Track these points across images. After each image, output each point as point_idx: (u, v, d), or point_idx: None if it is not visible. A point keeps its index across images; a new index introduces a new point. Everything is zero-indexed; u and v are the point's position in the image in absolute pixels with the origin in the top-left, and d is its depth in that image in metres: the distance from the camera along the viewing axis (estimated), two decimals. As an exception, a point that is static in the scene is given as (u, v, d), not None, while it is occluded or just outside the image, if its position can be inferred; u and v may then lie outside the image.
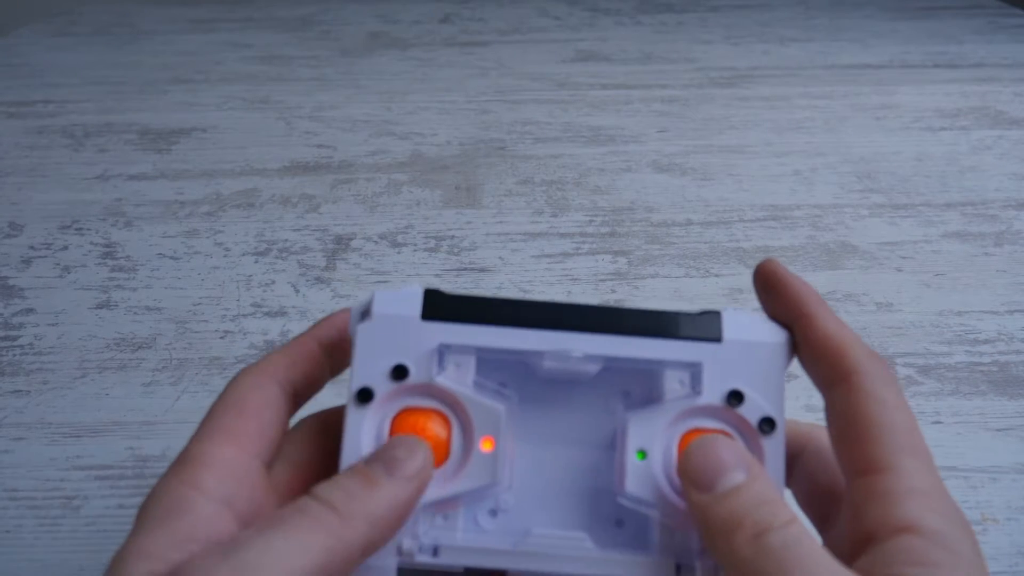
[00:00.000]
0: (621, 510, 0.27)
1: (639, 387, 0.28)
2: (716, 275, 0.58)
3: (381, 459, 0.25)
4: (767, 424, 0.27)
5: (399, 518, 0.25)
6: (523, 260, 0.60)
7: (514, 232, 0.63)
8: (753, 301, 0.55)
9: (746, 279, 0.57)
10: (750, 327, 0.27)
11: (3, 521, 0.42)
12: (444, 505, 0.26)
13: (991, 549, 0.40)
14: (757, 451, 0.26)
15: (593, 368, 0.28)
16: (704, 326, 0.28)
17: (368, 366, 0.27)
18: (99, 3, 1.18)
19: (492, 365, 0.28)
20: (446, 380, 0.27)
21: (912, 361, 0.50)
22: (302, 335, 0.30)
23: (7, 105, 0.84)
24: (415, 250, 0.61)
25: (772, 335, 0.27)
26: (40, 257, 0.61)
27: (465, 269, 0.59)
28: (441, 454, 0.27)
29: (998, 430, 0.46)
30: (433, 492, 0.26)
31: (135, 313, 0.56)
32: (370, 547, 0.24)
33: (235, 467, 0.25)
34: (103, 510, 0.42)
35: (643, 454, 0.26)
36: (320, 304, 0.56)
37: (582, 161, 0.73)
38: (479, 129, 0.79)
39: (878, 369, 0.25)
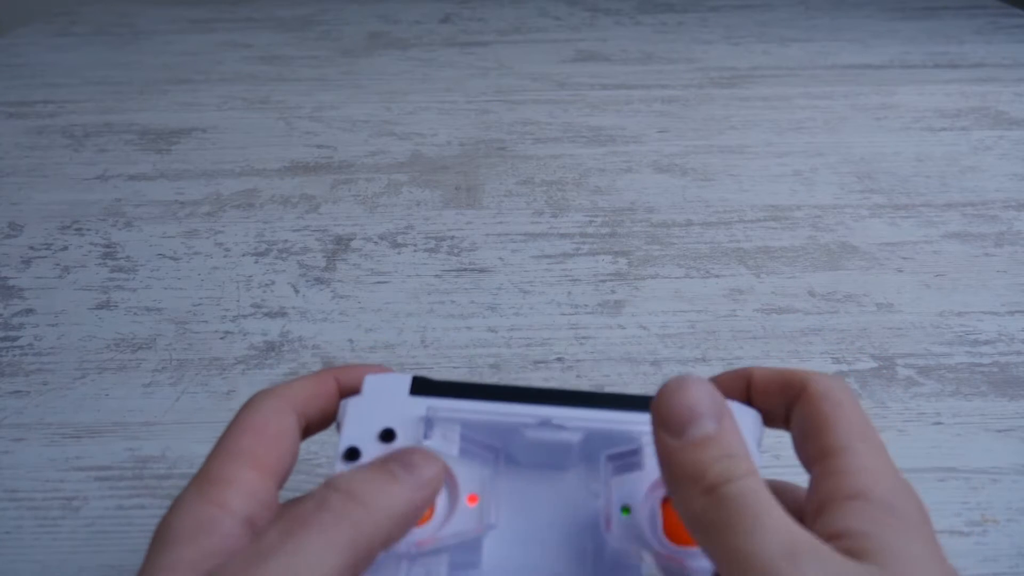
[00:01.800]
0: (604, 569, 0.27)
1: (620, 460, 0.29)
2: (716, 276, 0.58)
3: (399, 460, 0.25)
4: None
5: (412, 520, 0.25)
6: (523, 261, 0.60)
7: (514, 232, 0.63)
8: (754, 302, 0.55)
9: (747, 280, 0.57)
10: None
11: (3, 522, 0.42)
12: (430, 556, 0.26)
13: (991, 550, 0.39)
14: None
15: (574, 438, 0.28)
16: None
17: (357, 430, 0.28)
18: (99, 3, 1.19)
19: (479, 442, 0.29)
20: (433, 444, 0.28)
21: (912, 362, 0.50)
22: (324, 371, 0.30)
23: (7, 105, 0.84)
24: (415, 250, 0.61)
25: (740, 410, 0.29)
26: (40, 257, 0.61)
27: (465, 270, 0.59)
28: (426, 515, 0.27)
29: (998, 431, 0.46)
30: (418, 538, 0.26)
31: (135, 314, 0.56)
32: (387, 544, 0.24)
33: (257, 489, 0.26)
34: (103, 511, 0.42)
35: (627, 510, 0.27)
36: (320, 304, 0.56)
37: (582, 161, 0.73)
38: (479, 129, 0.79)
39: (830, 379, 0.27)
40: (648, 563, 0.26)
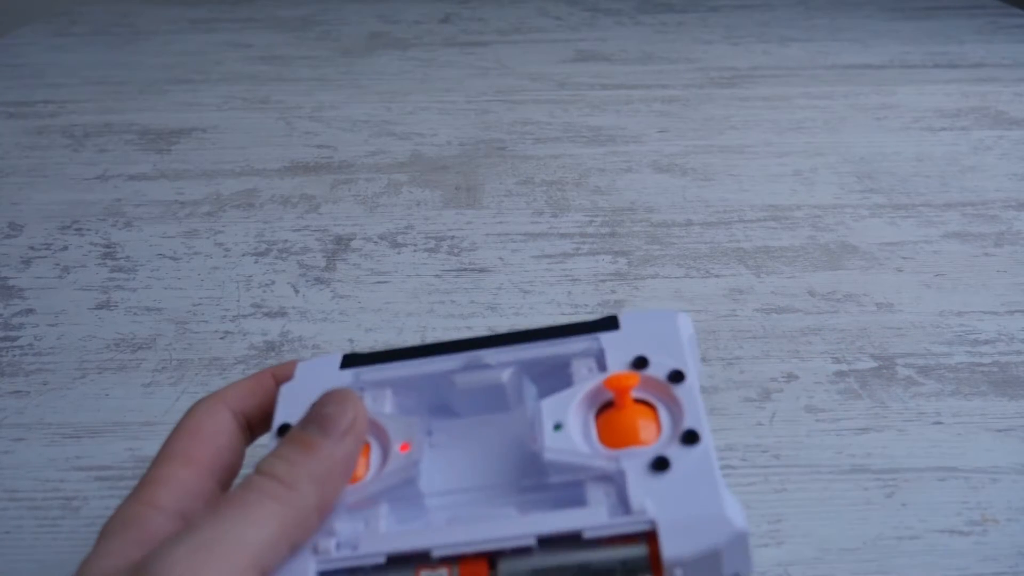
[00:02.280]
0: (542, 484, 0.27)
1: (551, 384, 0.29)
2: (716, 275, 0.58)
3: (314, 420, 0.26)
4: (676, 375, 0.28)
5: (344, 472, 0.26)
6: (523, 260, 0.60)
7: (514, 232, 0.63)
8: (754, 302, 0.55)
9: (747, 280, 0.57)
10: (643, 314, 0.30)
11: (3, 522, 0.42)
12: (364, 503, 0.26)
13: (991, 550, 0.39)
14: (671, 401, 0.27)
15: (503, 374, 0.29)
16: (601, 323, 0.30)
17: (289, 408, 0.29)
18: (99, 3, 1.18)
19: (415, 403, 0.30)
20: None
21: (912, 362, 0.50)
22: (263, 371, 0.32)
23: (7, 105, 0.84)
24: (415, 250, 0.61)
25: (668, 313, 0.30)
26: (40, 257, 0.61)
27: (465, 270, 0.59)
28: (360, 472, 0.27)
29: (999, 431, 0.46)
30: (352, 496, 0.26)
31: (135, 314, 0.56)
32: (323, 505, 0.25)
33: (190, 485, 0.27)
34: (103, 511, 0.42)
35: (559, 426, 0.27)
36: (320, 305, 0.56)
37: (582, 161, 0.73)
38: (479, 129, 0.79)
39: None
40: (585, 466, 0.26)
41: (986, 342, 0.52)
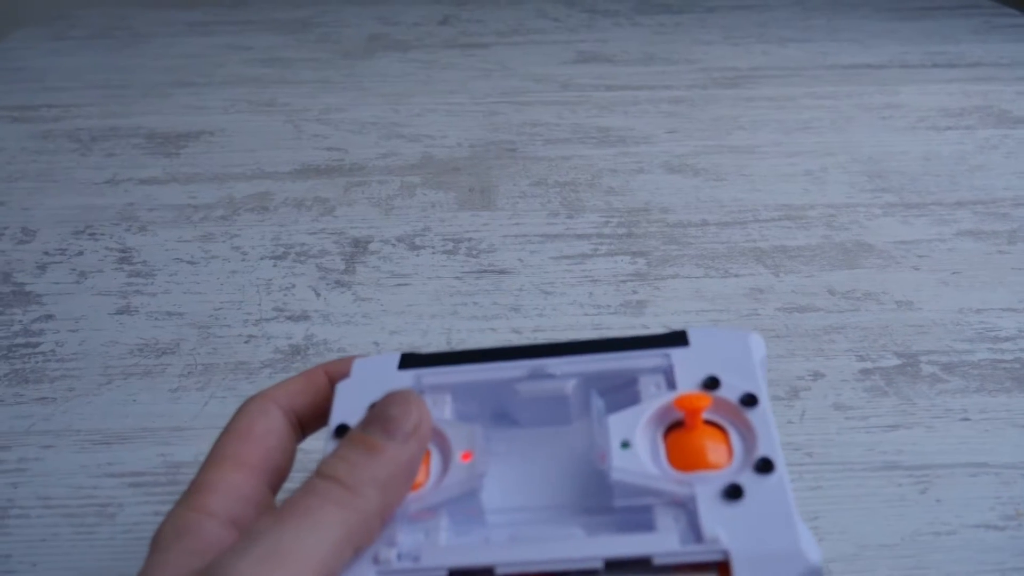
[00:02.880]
0: (608, 506, 0.26)
1: (618, 401, 0.28)
2: (736, 275, 0.58)
3: (377, 421, 0.26)
4: (748, 398, 0.27)
5: (408, 476, 0.25)
6: (542, 262, 0.60)
7: (531, 234, 0.63)
8: (775, 301, 0.56)
9: (766, 279, 0.58)
10: (714, 331, 0.29)
11: (39, 529, 0.42)
12: (425, 514, 0.26)
13: (1026, 544, 0.40)
14: (744, 425, 0.26)
15: (567, 385, 0.28)
16: (670, 337, 0.29)
17: (347, 408, 0.28)
18: (94, 6, 1.18)
19: (474, 408, 0.29)
20: None
21: (936, 359, 0.51)
22: (314, 367, 0.31)
23: (10, 109, 0.83)
24: (434, 252, 0.61)
25: (739, 333, 0.29)
26: (55, 263, 0.61)
27: (485, 271, 0.59)
28: (420, 479, 0.27)
29: (1025, 426, 0.46)
30: (413, 505, 0.26)
31: (156, 319, 0.55)
32: (387, 510, 0.25)
33: (242, 490, 0.27)
34: (140, 517, 0.42)
35: (627, 444, 0.26)
36: (342, 308, 0.56)
37: (594, 162, 0.73)
38: (488, 131, 0.79)
39: None
40: (655, 490, 0.25)
41: (1007, 339, 0.52)
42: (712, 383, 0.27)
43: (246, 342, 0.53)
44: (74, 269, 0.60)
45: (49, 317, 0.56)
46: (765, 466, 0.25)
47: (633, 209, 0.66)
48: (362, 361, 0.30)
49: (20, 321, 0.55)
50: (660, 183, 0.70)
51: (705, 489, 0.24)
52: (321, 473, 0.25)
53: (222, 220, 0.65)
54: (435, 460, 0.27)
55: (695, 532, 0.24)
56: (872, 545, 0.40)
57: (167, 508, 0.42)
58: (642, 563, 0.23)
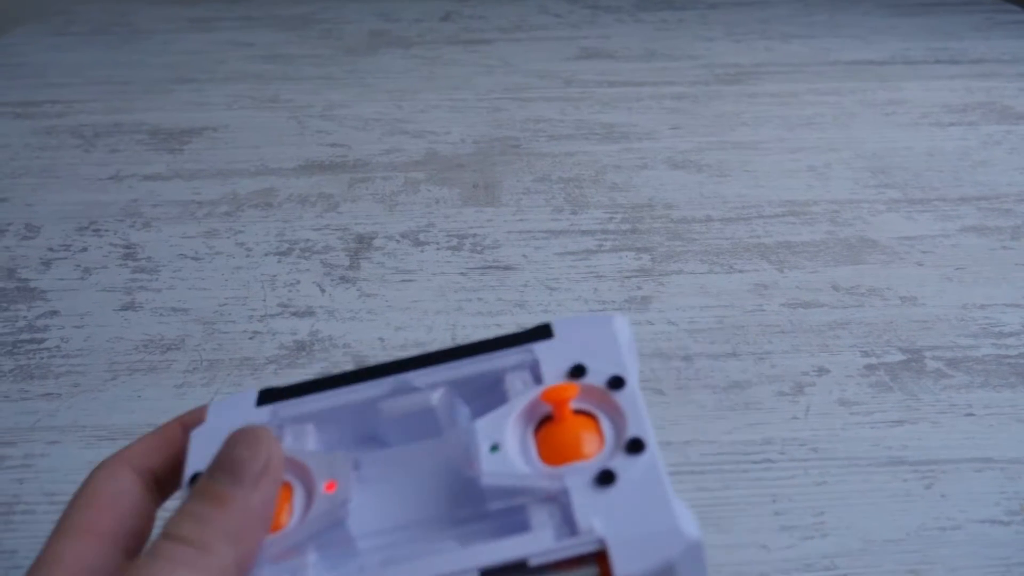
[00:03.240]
0: (483, 512, 0.25)
1: (486, 403, 0.27)
2: (740, 271, 0.58)
3: (223, 466, 0.24)
4: (615, 381, 0.26)
5: (263, 521, 0.24)
6: (547, 258, 0.60)
7: (536, 230, 0.63)
8: (779, 296, 0.56)
9: (770, 275, 0.58)
10: (577, 319, 0.28)
11: (45, 526, 0.41)
12: (289, 554, 0.24)
13: (1033, 539, 0.40)
14: (613, 409, 0.25)
15: (432, 397, 0.27)
16: (534, 333, 0.28)
17: (201, 455, 0.26)
18: (95, 2, 1.17)
19: (341, 436, 0.28)
20: (284, 447, 0.26)
21: (941, 354, 0.51)
22: (168, 422, 0.29)
23: (13, 105, 0.83)
24: (438, 248, 0.61)
25: (603, 317, 0.28)
26: (60, 259, 0.61)
27: (490, 267, 0.59)
28: (282, 518, 0.25)
29: (1030, 421, 0.46)
30: (275, 546, 0.24)
31: (161, 314, 0.55)
32: (244, 561, 0.23)
33: (89, 560, 0.24)
34: (147, 512, 0.42)
35: (496, 447, 0.25)
36: (347, 304, 0.56)
37: (597, 158, 0.73)
38: (492, 127, 0.79)
39: None
40: (526, 489, 0.24)
41: (1011, 334, 0.52)
42: (578, 371, 0.26)
43: (251, 338, 0.53)
44: (78, 265, 0.60)
45: (54, 313, 0.56)
46: (635, 446, 0.24)
47: (637, 205, 0.66)
48: (217, 404, 0.28)
49: (25, 317, 0.55)
50: (664, 179, 0.70)
51: (577, 480, 0.24)
52: (167, 534, 0.23)
53: (226, 216, 0.65)
54: (298, 495, 0.26)
55: (570, 526, 0.23)
56: (878, 540, 0.40)
57: (174, 504, 0.42)
58: (518, 567, 0.22)
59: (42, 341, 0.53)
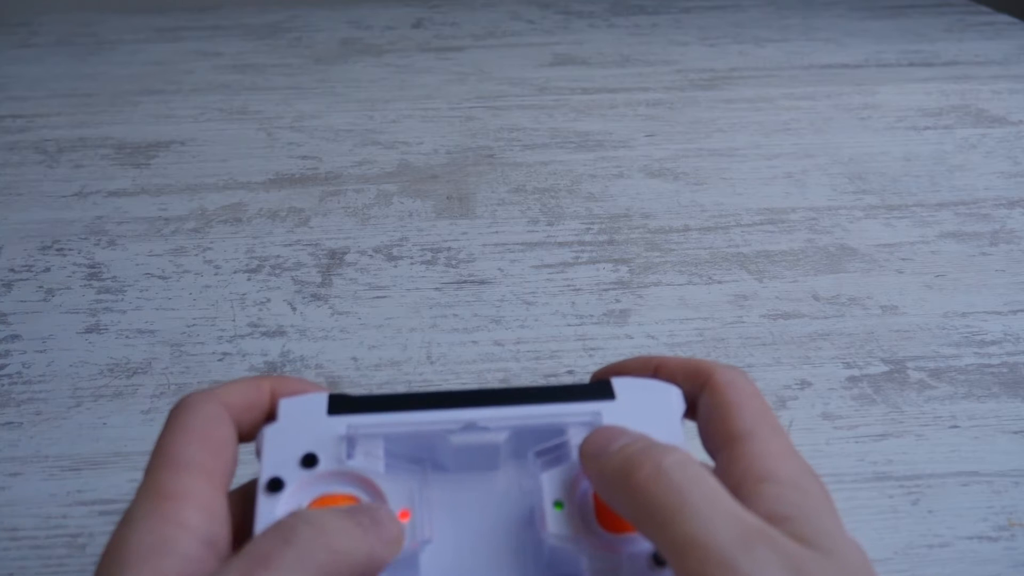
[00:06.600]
0: (544, 567, 0.26)
1: (548, 455, 0.28)
2: (719, 282, 0.58)
3: (367, 514, 0.24)
4: None
5: (367, 573, 0.23)
6: (523, 271, 0.59)
7: (511, 242, 0.62)
8: (759, 308, 0.55)
9: (750, 285, 0.57)
10: (639, 384, 0.29)
11: (5, 563, 0.40)
12: None
13: (1021, 555, 0.39)
14: None
15: (499, 438, 0.28)
16: (597, 389, 0.29)
17: (277, 458, 0.27)
18: (58, 12, 1.15)
19: (404, 454, 0.28)
20: (356, 464, 0.27)
21: (923, 365, 0.50)
22: (261, 378, 0.29)
23: (-27, 120, 0.81)
24: (412, 263, 0.60)
25: (661, 386, 0.29)
26: (21, 280, 0.59)
27: (465, 282, 0.58)
28: None
29: (1015, 432, 0.46)
30: None
31: (127, 337, 0.54)
32: None
33: (213, 504, 0.24)
34: (112, 547, 0.40)
35: (560, 505, 0.26)
36: (319, 322, 0.55)
37: (573, 168, 0.72)
38: (465, 136, 0.78)
39: (734, 369, 0.28)
40: (587, 557, 0.25)
41: (993, 343, 0.52)
42: None
43: (220, 360, 0.52)
44: (41, 286, 0.58)
45: (15, 337, 0.54)
46: None
47: (614, 215, 0.65)
48: (288, 402, 0.28)
49: (-15, 342, 0.53)
50: (640, 188, 0.69)
51: (633, 555, 0.25)
52: (307, 519, 0.23)
53: (194, 233, 0.64)
54: None
55: None
56: (866, 560, 0.39)
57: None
58: None
59: (2, 367, 0.51)
